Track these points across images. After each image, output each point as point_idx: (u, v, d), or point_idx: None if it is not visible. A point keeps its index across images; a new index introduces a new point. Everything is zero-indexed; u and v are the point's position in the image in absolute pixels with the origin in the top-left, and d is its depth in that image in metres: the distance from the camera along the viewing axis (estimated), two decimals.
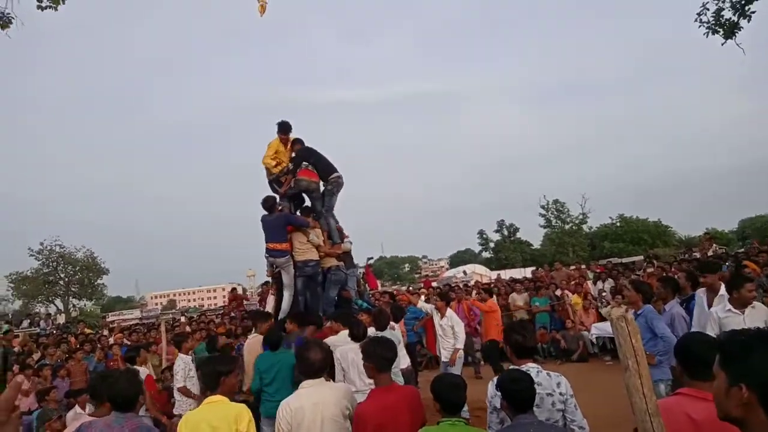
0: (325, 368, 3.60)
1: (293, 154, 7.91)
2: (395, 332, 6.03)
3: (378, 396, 3.31)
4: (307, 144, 8.00)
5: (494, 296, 12.13)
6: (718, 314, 4.79)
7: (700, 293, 5.30)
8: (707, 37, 8.86)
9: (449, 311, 7.81)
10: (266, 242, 7.40)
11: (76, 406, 7.46)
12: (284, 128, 8.00)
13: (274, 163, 7.89)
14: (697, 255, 15.21)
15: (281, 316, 7.36)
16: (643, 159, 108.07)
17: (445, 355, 7.62)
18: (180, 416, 6.76)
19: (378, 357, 3.37)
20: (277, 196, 7.86)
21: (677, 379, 2.12)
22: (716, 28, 8.79)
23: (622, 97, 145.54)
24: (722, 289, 5.14)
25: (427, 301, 9.95)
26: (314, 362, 3.45)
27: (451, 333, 7.59)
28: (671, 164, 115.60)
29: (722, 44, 8.86)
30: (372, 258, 13.65)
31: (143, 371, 6.86)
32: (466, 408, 4.53)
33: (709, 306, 5.10)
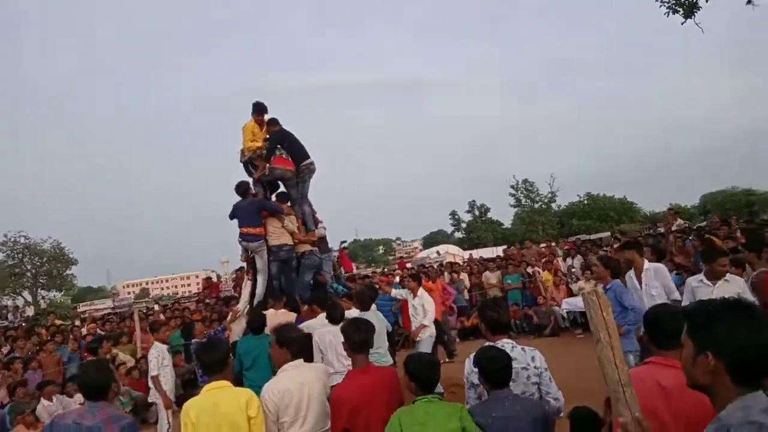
0: (309, 347, 3.65)
1: (267, 136, 7.82)
2: (378, 313, 6.04)
3: (354, 378, 3.34)
4: (284, 125, 7.92)
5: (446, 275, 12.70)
6: (691, 284, 5.01)
7: (631, 273, 5.46)
8: (668, 16, 9.03)
9: (421, 290, 7.84)
10: (240, 227, 7.34)
11: (42, 398, 7.37)
12: (259, 109, 7.90)
13: (255, 145, 7.81)
14: (662, 230, 15.64)
15: (256, 300, 7.34)
16: (610, 138, 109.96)
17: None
18: (154, 404, 6.74)
19: (353, 338, 3.40)
20: (251, 181, 7.79)
21: (645, 349, 2.20)
22: (676, 7, 8.95)
23: (593, 77, 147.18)
24: (646, 264, 5.36)
25: (400, 281, 10.02)
26: (300, 339, 3.51)
27: (422, 312, 7.67)
28: (637, 143, 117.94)
29: (682, 23, 9.02)
30: (346, 241, 13.63)
31: None
32: (439, 385, 4.60)
33: (639, 282, 5.30)
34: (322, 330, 5.25)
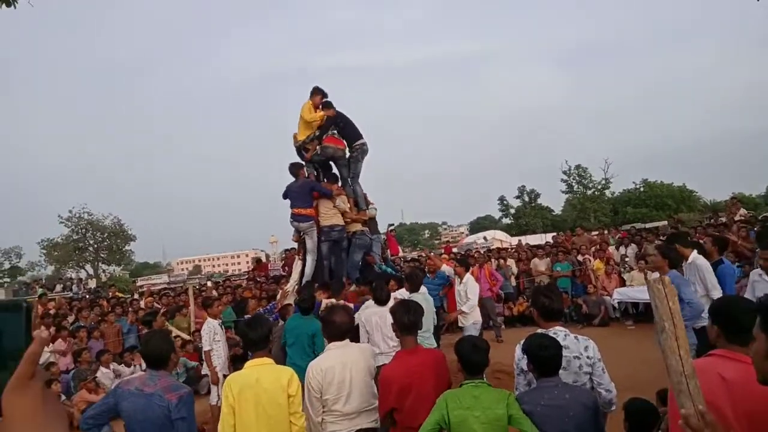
0: (350, 331, 3.67)
1: (320, 120, 7.92)
2: (427, 295, 6.04)
3: (402, 359, 3.36)
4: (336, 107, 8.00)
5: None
6: (752, 278, 4.79)
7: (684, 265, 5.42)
8: None
9: (467, 276, 7.75)
10: (291, 208, 7.49)
11: (101, 366, 7.86)
12: (320, 92, 8.02)
13: (314, 117, 7.89)
14: (723, 220, 14.90)
15: (305, 280, 7.48)
16: (668, 121, 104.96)
17: (461, 320, 7.62)
18: (206, 376, 7.02)
19: (402, 320, 3.41)
20: (303, 162, 7.92)
21: (712, 342, 2.11)
22: None
23: (648, 58, 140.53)
24: (692, 256, 5.33)
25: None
26: (340, 325, 3.53)
27: (465, 298, 7.58)
28: (697, 127, 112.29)
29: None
30: (393, 224, 13.64)
31: None
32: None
33: (683, 274, 5.24)
34: (368, 311, 5.31)
